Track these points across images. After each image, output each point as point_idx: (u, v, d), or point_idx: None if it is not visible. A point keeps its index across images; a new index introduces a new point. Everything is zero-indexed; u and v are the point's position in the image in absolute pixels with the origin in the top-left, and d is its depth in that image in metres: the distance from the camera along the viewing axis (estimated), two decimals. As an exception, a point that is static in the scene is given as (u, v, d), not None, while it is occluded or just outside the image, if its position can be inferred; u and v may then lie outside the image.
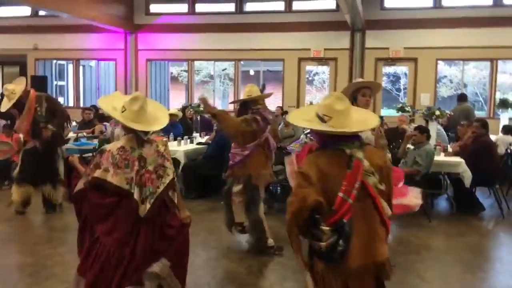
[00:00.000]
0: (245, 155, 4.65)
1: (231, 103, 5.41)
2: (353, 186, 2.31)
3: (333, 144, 2.42)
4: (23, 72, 14.02)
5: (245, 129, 4.57)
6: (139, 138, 2.88)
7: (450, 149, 7.24)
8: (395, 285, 4.08)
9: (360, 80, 4.29)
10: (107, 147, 2.89)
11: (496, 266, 4.77)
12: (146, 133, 2.90)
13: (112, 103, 2.93)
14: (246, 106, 4.80)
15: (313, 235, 2.30)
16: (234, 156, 4.76)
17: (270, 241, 4.78)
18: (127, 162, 2.80)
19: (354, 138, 2.43)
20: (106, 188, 2.80)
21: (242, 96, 5.05)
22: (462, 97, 9.97)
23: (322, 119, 2.42)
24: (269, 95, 5.13)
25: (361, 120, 2.49)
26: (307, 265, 2.43)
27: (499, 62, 12.98)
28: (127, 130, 2.88)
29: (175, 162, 7.43)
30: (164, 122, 2.94)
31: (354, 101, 3.97)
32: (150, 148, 2.92)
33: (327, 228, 2.26)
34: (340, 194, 2.29)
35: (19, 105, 5.76)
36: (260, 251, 4.75)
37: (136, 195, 2.80)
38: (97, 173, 2.78)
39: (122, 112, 2.82)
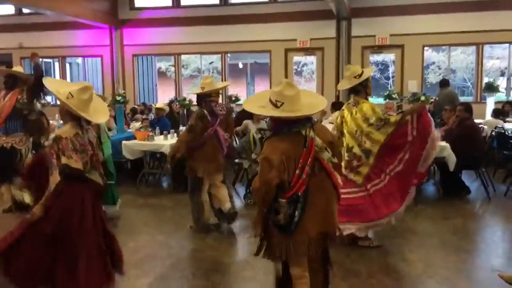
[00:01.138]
0: (195, 148, 4.98)
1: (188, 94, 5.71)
2: (306, 161, 2.57)
3: (289, 128, 2.66)
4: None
5: (188, 139, 4.97)
6: (81, 125, 3.00)
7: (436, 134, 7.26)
8: (379, 268, 4.12)
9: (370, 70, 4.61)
10: (62, 134, 2.92)
11: (481, 247, 4.81)
12: (89, 122, 3.05)
13: (57, 87, 3.01)
14: (200, 97, 5.10)
15: (274, 210, 2.59)
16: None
17: (210, 220, 5.26)
18: (82, 147, 2.94)
19: (306, 120, 2.68)
20: (72, 175, 2.86)
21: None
22: (444, 83, 10.10)
23: (275, 105, 2.63)
24: (223, 87, 5.41)
25: (311, 103, 2.72)
26: (259, 234, 2.75)
27: (486, 47, 13.04)
28: (70, 116, 2.98)
29: (163, 156, 7.44)
30: (106, 115, 3.19)
31: (358, 92, 4.45)
32: (92, 133, 3.12)
33: (284, 201, 2.56)
34: (297, 171, 2.57)
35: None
36: (201, 230, 5.13)
37: (94, 176, 2.97)
38: (64, 160, 2.81)
39: (67, 98, 2.90)
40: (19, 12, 13.85)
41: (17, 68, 6.05)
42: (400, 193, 4.30)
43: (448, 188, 6.68)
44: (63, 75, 14.36)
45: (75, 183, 2.92)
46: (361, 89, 4.43)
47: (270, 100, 2.67)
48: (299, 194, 2.55)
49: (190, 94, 5.34)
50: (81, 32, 13.36)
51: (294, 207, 2.55)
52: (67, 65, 14.98)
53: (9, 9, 13.87)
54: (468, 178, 7.07)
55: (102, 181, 3.07)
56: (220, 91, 5.39)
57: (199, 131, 4.95)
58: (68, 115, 3.00)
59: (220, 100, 5.52)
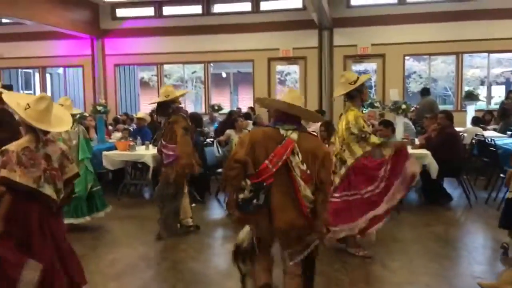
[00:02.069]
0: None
1: (150, 103, 5.79)
2: (280, 158, 2.79)
3: (274, 124, 2.98)
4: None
5: (189, 140, 5.07)
6: (38, 137, 2.93)
7: (417, 142, 7.33)
8: (361, 276, 4.11)
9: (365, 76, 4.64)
10: (10, 147, 2.86)
11: (463, 254, 4.82)
12: (46, 133, 2.97)
13: (17, 99, 2.97)
14: (166, 105, 5.16)
15: (240, 187, 2.84)
16: (168, 156, 5.11)
17: (190, 221, 5.45)
18: (32, 161, 2.86)
19: (292, 123, 2.91)
20: (14, 189, 2.81)
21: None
22: (425, 91, 10.35)
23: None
24: (184, 93, 5.56)
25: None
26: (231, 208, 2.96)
27: (466, 56, 13.27)
28: (28, 128, 2.93)
29: (144, 166, 7.35)
30: (68, 124, 3.11)
31: (353, 97, 4.47)
32: (54, 146, 3.03)
33: (249, 184, 2.81)
34: (266, 162, 2.81)
35: None
36: (171, 235, 5.22)
37: (48, 191, 2.89)
38: (4, 173, 2.75)
39: (25, 109, 2.87)
40: (-2, 22, 13.68)
41: None
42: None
43: (430, 195, 6.72)
44: (43, 86, 14.19)
45: (21, 198, 2.83)
46: (357, 95, 4.45)
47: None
48: (264, 184, 2.78)
49: (152, 104, 5.41)
50: (62, 42, 13.23)
51: (256, 193, 2.79)
52: (48, 76, 14.80)
53: (-12, 19, 13.68)
54: (449, 186, 7.12)
55: (57, 196, 2.96)
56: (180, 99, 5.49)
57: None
58: (27, 127, 2.94)
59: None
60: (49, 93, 14.64)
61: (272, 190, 2.81)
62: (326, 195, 2.91)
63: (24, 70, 14.82)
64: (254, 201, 2.79)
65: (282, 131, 2.88)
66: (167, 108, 5.16)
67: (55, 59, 13.59)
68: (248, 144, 2.86)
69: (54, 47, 13.34)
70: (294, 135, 2.85)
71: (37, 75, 14.60)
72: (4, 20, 13.40)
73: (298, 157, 2.81)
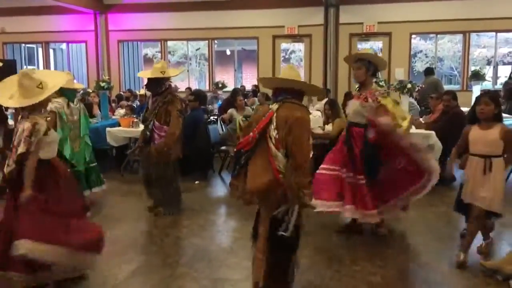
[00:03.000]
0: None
1: (144, 76, 5.70)
2: (259, 127, 2.97)
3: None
4: (-10, 57, 13.63)
5: (180, 124, 5.08)
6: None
7: (422, 121, 7.28)
8: (363, 255, 4.12)
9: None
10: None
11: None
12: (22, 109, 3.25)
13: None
14: (160, 82, 5.05)
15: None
16: (160, 137, 5.06)
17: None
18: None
19: (278, 96, 3.04)
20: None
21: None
22: (429, 71, 10.21)
23: None
24: (180, 72, 5.61)
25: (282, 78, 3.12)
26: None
27: (473, 35, 13.08)
28: None
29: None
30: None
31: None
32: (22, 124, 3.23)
33: (234, 151, 3.28)
34: (251, 133, 3.01)
35: None
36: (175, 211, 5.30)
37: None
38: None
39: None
40: (0, -4, 13.52)
41: None
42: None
43: (434, 175, 6.70)
44: (46, 61, 14.12)
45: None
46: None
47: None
48: (242, 151, 3.04)
49: (145, 77, 5.28)
50: (65, 17, 13.11)
51: (238, 160, 3.08)
52: (51, 51, 14.71)
53: (-9, -7, 13.52)
54: (454, 166, 7.08)
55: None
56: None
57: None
58: None
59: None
60: (52, 69, 14.57)
61: (253, 158, 3.02)
62: (295, 160, 2.87)
63: (27, 45, 14.72)
64: (237, 166, 3.09)
65: (271, 106, 3.03)
66: (160, 85, 5.05)
67: (58, 34, 13.49)
68: (247, 124, 3.23)
69: (57, 22, 13.23)
70: (275, 106, 2.98)
71: (40, 50, 14.51)
72: (6, -6, 13.26)
73: (273, 125, 2.92)
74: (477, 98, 3.83)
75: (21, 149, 3.11)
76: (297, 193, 2.86)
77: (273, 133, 2.90)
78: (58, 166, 3.46)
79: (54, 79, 3.38)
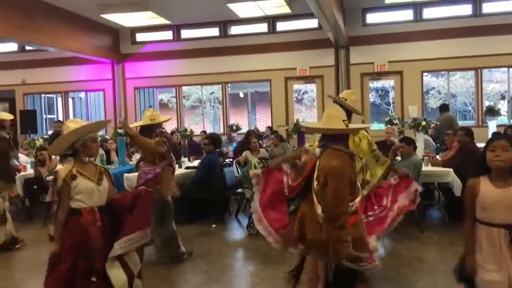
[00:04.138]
0: (157, 173, 5.06)
1: (139, 125, 5.77)
2: (304, 176, 2.96)
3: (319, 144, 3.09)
4: (12, 108, 14.05)
5: (157, 151, 5.08)
6: None
7: (438, 158, 7.24)
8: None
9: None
10: None
11: (490, 274, 4.68)
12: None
13: None
14: (150, 129, 5.21)
15: None
16: (146, 174, 5.12)
17: (182, 249, 5.25)
18: None
19: (322, 141, 3.03)
20: None
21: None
22: (444, 107, 10.24)
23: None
24: (168, 119, 5.63)
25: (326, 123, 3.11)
26: None
27: (485, 71, 13.14)
28: None
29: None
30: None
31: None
32: None
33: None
34: (300, 179, 3.02)
35: None
36: (173, 258, 5.19)
37: None
38: None
39: None
40: (22, 49, 14.08)
41: None
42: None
43: (454, 213, 6.58)
44: (66, 110, 14.48)
45: None
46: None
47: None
48: (290, 196, 3.06)
49: (137, 125, 5.46)
50: (83, 67, 13.56)
51: (288, 203, 3.07)
52: (70, 100, 15.12)
53: (12, 47, 14.11)
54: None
55: None
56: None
57: (161, 155, 5.15)
58: None
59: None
60: (71, 117, 14.93)
61: (302, 205, 3.00)
62: (328, 212, 2.76)
63: (47, 95, 15.17)
64: (289, 209, 3.09)
65: (317, 150, 3.05)
66: (151, 131, 5.20)
67: (77, 84, 13.91)
68: (300, 167, 3.23)
69: (76, 72, 13.67)
70: (318, 152, 2.98)
71: (59, 99, 14.93)
72: (27, 47, 13.80)
73: (315, 174, 2.91)
74: (489, 141, 2.73)
75: (47, 197, 3.14)
76: (334, 247, 2.74)
77: (315, 183, 2.86)
78: (90, 218, 3.20)
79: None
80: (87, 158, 3.28)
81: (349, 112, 3.96)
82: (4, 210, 5.86)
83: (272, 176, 3.76)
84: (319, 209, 2.81)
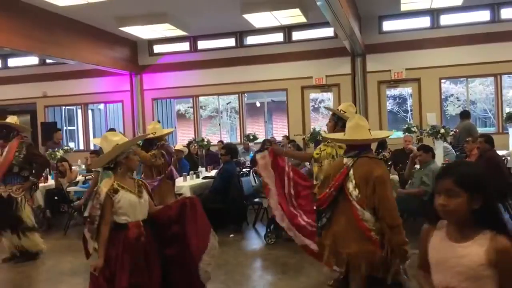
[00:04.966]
0: (154, 186, 5.06)
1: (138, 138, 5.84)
2: (334, 184, 2.94)
3: (345, 153, 3.13)
4: (33, 120, 14.35)
5: (153, 163, 5.11)
6: None
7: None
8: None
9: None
10: None
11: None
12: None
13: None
14: (151, 142, 5.29)
15: None
16: None
17: None
18: None
19: (352, 151, 3.05)
20: None
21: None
22: (464, 114, 10.01)
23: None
24: (170, 132, 5.77)
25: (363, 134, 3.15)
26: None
27: (505, 77, 12.93)
28: None
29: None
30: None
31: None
32: None
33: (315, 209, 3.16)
34: (327, 190, 2.98)
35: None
36: None
37: None
38: None
39: None
40: (43, 63, 14.40)
41: (11, 119, 6.00)
42: None
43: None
44: (85, 122, 14.72)
45: None
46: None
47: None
48: (321, 208, 2.99)
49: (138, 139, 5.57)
50: (102, 79, 13.79)
51: (318, 216, 3.04)
52: (89, 112, 15.37)
53: (33, 60, 14.44)
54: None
55: None
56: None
57: (157, 168, 5.22)
58: None
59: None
60: (90, 128, 15.18)
61: (335, 217, 2.98)
62: (386, 222, 2.83)
63: (67, 107, 15.46)
64: (319, 222, 3.08)
65: (345, 160, 3.05)
66: (153, 144, 5.28)
67: (96, 96, 14.14)
68: (324, 178, 3.14)
69: (95, 84, 13.91)
70: (349, 161, 2.98)
71: (79, 111, 15.20)
72: (47, 61, 14.11)
73: (352, 183, 2.90)
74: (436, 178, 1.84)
75: (85, 212, 3.10)
76: (399, 252, 2.85)
77: (354, 192, 2.87)
78: (136, 232, 3.16)
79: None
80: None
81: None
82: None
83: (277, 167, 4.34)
84: (366, 215, 2.85)
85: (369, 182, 2.85)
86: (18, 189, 5.71)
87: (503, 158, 7.45)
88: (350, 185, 2.88)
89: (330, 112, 4.79)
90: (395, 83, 12.31)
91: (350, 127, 3.11)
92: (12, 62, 14.77)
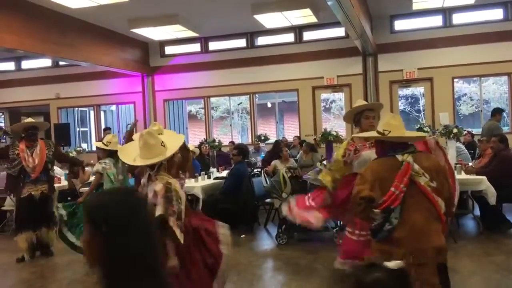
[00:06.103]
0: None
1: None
2: (401, 181, 2.89)
3: (392, 151, 3.07)
4: (46, 121, 14.48)
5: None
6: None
7: (472, 166, 7.06)
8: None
9: (360, 103, 4.28)
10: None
11: (528, 285, 4.53)
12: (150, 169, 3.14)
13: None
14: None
15: (370, 218, 2.95)
16: None
17: None
18: None
19: (407, 147, 3.07)
20: None
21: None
22: (496, 111, 9.38)
23: (382, 134, 3.07)
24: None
25: (413, 132, 3.32)
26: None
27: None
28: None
29: (194, 198, 7.47)
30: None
31: (357, 125, 4.00)
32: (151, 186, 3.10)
33: (378, 211, 2.88)
34: (392, 189, 2.90)
35: None
36: None
37: None
38: None
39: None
40: (55, 65, 14.56)
41: (27, 120, 6.22)
42: None
43: (488, 222, 6.42)
44: (98, 123, 14.85)
45: None
46: None
47: (378, 131, 3.13)
48: (392, 207, 2.86)
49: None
50: (115, 81, 13.90)
51: (387, 217, 2.87)
52: (102, 113, 15.50)
53: (47, 62, 14.61)
54: (509, 212, 6.77)
55: None
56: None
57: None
58: None
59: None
60: (102, 129, 15.30)
61: (407, 214, 2.90)
62: (451, 207, 3.19)
63: (80, 108, 15.61)
64: (387, 224, 2.90)
65: (400, 158, 3.01)
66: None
67: (108, 97, 14.25)
68: (371, 181, 2.99)
69: (108, 85, 14.02)
70: (410, 159, 2.99)
71: (92, 112, 15.33)
72: (60, 63, 14.26)
73: (425, 177, 2.94)
74: None
75: (159, 211, 2.86)
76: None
77: (431, 184, 2.95)
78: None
79: (173, 140, 3.36)
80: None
81: None
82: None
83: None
84: (443, 205, 2.98)
85: (439, 173, 3.01)
86: (47, 189, 5.99)
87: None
88: (424, 179, 2.93)
89: (343, 112, 4.76)
90: (407, 82, 12.22)
91: (393, 123, 3.15)
92: (26, 64, 14.94)
